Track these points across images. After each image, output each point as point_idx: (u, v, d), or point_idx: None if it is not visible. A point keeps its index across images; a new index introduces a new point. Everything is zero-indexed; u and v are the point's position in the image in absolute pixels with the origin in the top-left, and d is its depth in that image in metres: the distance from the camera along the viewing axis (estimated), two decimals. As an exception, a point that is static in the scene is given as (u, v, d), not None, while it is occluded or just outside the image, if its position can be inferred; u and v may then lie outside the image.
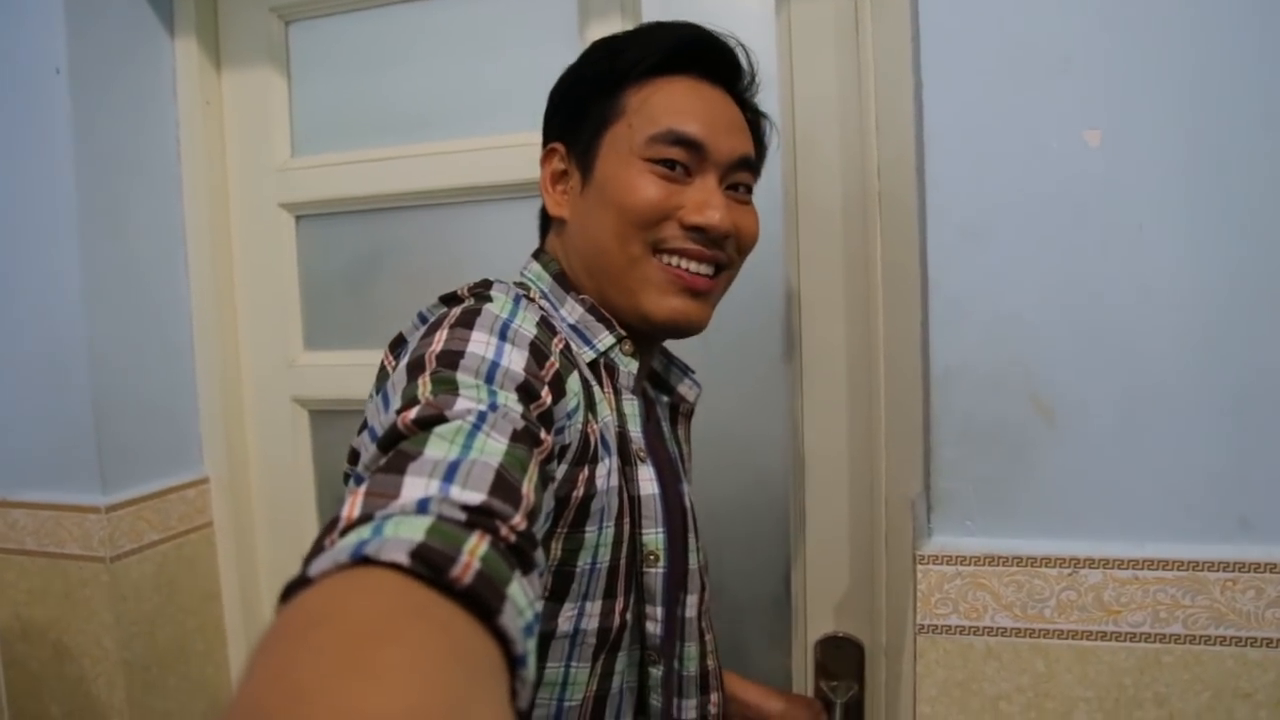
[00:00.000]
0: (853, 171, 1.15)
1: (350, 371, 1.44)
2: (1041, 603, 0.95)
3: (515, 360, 0.63)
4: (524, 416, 0.57)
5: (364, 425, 0.67)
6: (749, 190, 0.84)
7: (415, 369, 0.59)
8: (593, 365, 0.78)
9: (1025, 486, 0.96)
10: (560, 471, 0.66)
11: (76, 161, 1.22)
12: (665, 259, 0.78)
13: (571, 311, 0.80)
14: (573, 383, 0.69)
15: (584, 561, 0.71)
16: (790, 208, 1.19)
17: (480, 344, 0.62)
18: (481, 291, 0.73)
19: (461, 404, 0.54)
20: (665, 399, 0.95)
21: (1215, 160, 0.89)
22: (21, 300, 1.28)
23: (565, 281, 0.82)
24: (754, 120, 0.88)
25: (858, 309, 1.17)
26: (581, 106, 0.80)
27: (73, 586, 1.27)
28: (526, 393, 0.60)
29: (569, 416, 0.67)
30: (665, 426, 0.93)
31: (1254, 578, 0.90)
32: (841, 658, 1.19)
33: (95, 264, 1.26)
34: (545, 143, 0.85)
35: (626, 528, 0.75)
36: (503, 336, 0.64)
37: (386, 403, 0.60)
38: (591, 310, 0.80)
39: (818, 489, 1.22)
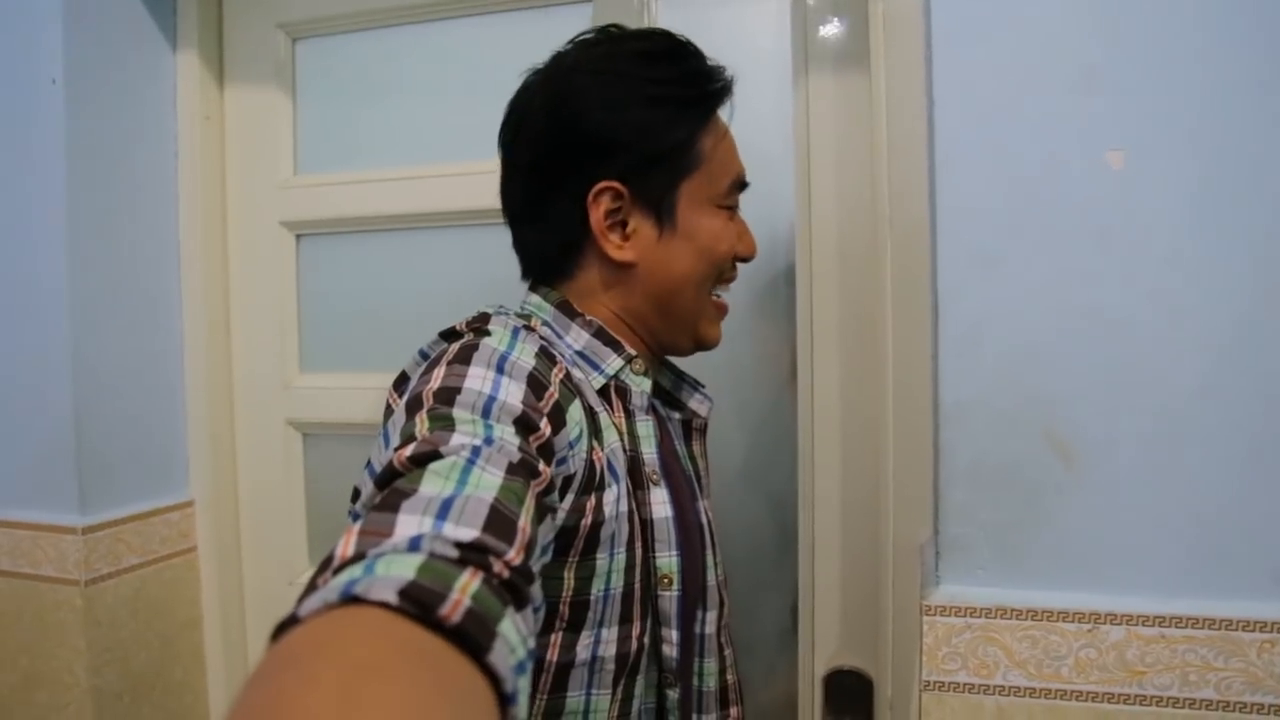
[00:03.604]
0: (863, 194, 1.10)
1: (347, 394, 1.40)
2: (1058, 660, 0.87)
3: (513, 393, 0.63)
4: (521, 449, 0.58)
5: (369, 463, 0.67)
6: None
7: (413, 407, 0.60)
8: (603, 390, 0.79)
9: (1041, 533, 0.89)
10: (567, 501, 0.66)
11: (69, 172, 1.20)
12: (715, 291, 0.85)
13: (577, 338, 0.80)
14: (574, 412, 0.69)
15: (598, 589, 0.71)
16: (803, 232, 1.14)
17: (477, 379, 0.63)
18: (480, 325, 0.73)
19: (457, 439, 0.55)
20: (677, 416, 0.93)
21: (1244, 182, 0.83)
22: (3, 311, 1.25)
23: (569, 308, 0.81)
24: None
25: (867, 337, 1.11)
26: (650, 153, 0.78)
27: (46, 609, 1.22)
28: (524, 425, 0.61)
29: (571, 446, 0.67)
30: (679, 444, 0.91)
31: (1294, 640, 0.82)
32: (850, 692, 1.14)
33: (83, 277, 1.23)
34: (573, 178, 0.78)
35: (639, 552, 0.75)
36: (500, 370, 0.65)
37: (387, 441, 0.61)
38: (599, 334, 0.80)
39: (825, 520, 1.16)
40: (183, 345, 1.39)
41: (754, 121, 0.97)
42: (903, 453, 1.02)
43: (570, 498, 0.67)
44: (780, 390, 1.24)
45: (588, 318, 0.81)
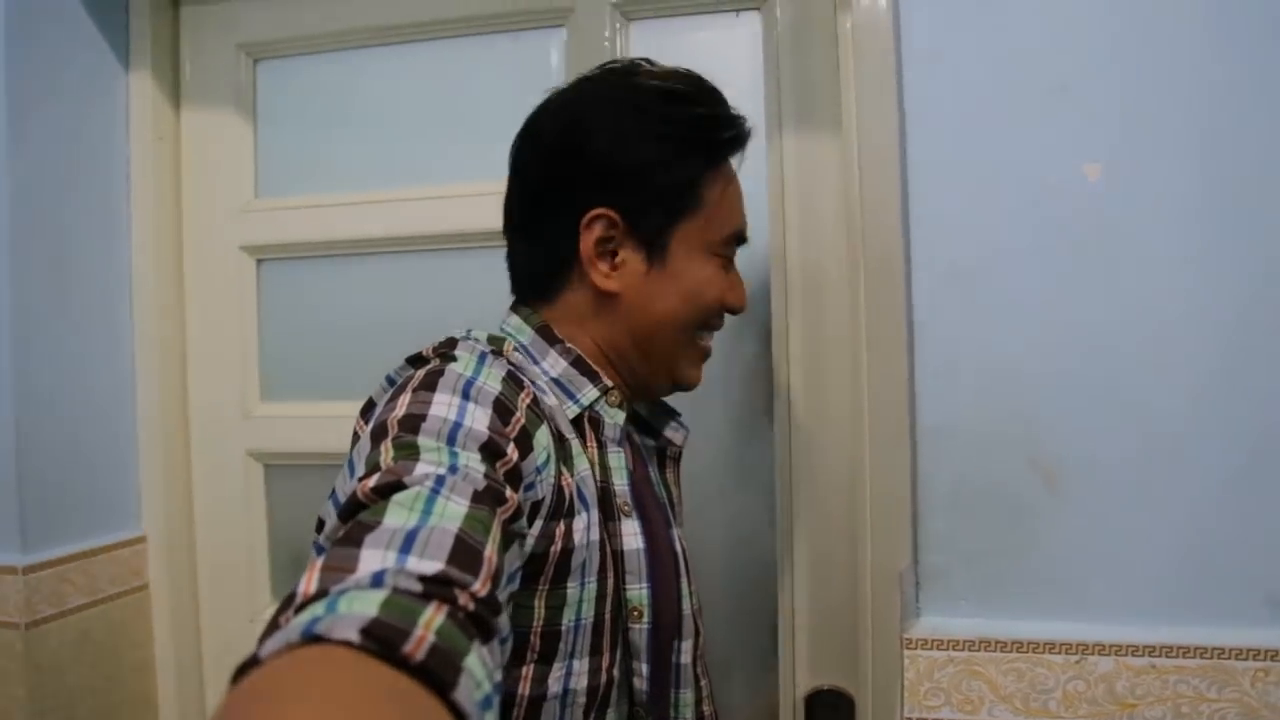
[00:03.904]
0: (836, 212, 1.08)
1: (310, 424, 1.35)
2: (1046, 694, 0.83)
3: (478, 419, 0.63)
4: (487, 475, 0.57)
5: (333, 492, 0.67)
6: None
7: (378, 435, 0.60)
8: (576, 420, 0.78)
9: (1025, 560, 0.86)
10: (536, 527, 0.66)
11: (11, 194, 1.15)
12: (701, 337, 0.84)
13: (554, 364, 0.79)
14: (540, 436, 0.68)
15: (569, 619, 0.70)
16: (777, 254, 1.13)
17: (442, 405, 0.63)
18: (446, 351, 0.73)
19: (421, 468, 0.55)
20: (652, 443, 0.92)
21: (1227, 195, 0.81)
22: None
23: (549, 334, 0.80)
24: None
25: (842, 360, 1.09)
26: (650, 188, 0.78)
27: (-16, 655, 1.16)
28: (491, 451, 0.60)
29: (538, 471, 0.66)
30: (653, 471, 0.90)
31: (1289, 669, 0.79)
32: (833, 711, 1.12)
33: (26, 302, 1.18)
34: (571, 200, 0.78)
35: (610, 583, 0.74)
36: (466, 396, 0.64)
37: (352, 470, 0.61)
38: (576, 363, 0.79)
39: (804, 544, 1.14)
40: (134, 373, 1.33)
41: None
42: (880, 478, 0.99)
43: (539, 523, 0.66)
44: (757, 416, 1.21)
45: (567, 345, 0.80)
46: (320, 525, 0.64)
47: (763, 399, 1.19)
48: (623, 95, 0.79)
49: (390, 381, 0.74)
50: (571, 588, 0.70)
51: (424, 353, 0.74)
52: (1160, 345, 0.82)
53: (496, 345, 0.78)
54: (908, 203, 0.88)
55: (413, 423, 0.60)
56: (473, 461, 0.58)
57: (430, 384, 0.65)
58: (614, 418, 0.80)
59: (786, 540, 1.14)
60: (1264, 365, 0.80)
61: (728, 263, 0.83)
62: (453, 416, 0.62)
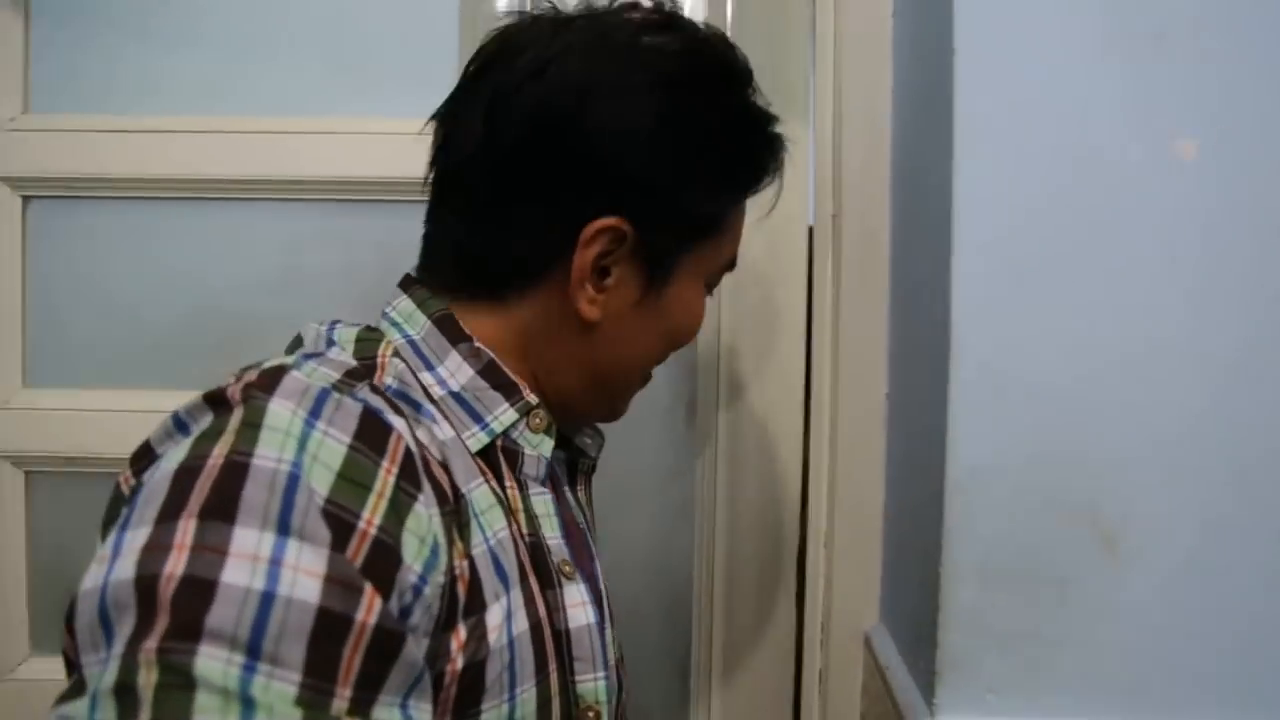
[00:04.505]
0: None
1: (91, 419, 1.05)
2: (1093, 817, 0.65)
3: (304, 573, 0.42)
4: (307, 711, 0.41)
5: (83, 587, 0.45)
6: None
7: (145, 607, 0.41)
8: (484, 451, 0.59)
9: (1072, 645, 0.67)
10: (422, 648, 0.47)
11: None
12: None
13: (455, 372, 0.59)
14: (414, 525, 0.48)
15: None
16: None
17: (244, 561, 0.42)
18: (262, 392, 0.48)
19: None
20: (562, 454, 0.73)
21: None
22: None
23: (452, 327, 0.60)
24: None
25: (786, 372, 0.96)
26: (680, 206, 0.61)
27: None
28: (325, 646, 0.42)
29: (418, 588, 0.47)
30: (567, 492, 0.71)
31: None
32: None
33: None
34: (574, 199, 0.59)
35: (555, 680, 0.57)
36: (283, 527, 0.43)
37: (115, 552, 0.43)
38: (488, 370, 0.60)
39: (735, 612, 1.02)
40: None
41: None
42: (844, 515, 0.90)
43: (426, 643, 0.48)
44: (676, 426, 1.05)
45: (476, 344, 0.60)
46: (70, 614, 0.45)
47: (683, 414, 1.05)
48: (665, 71, 0.59)
49: (178, 425, 0.50)
50: (488, 712, 0.51)
51: (229, 392, 0.49)
52: (1251, 379, 0.65)
53: (367, 351, 0.57)
54: (951, 170, 0.66)
55: (194, 610, 0.40)
56: (280, 704, 0.40)
57: (226, 505, 0.43)
58: (538, 448, 0.61)
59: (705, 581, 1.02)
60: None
61: (709, 293, 0.69)
62: (259, 585, 0.42)
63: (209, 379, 0.51)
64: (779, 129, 0.65)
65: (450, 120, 0.63)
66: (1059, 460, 0.66)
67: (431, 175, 0.64)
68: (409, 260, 0.65)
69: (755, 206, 0.68)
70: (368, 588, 0.43)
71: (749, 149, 0.63)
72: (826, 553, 0.94)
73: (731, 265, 0.70)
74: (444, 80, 0.64)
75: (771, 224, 0.84)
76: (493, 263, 0.61)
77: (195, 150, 1.03)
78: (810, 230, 0.97)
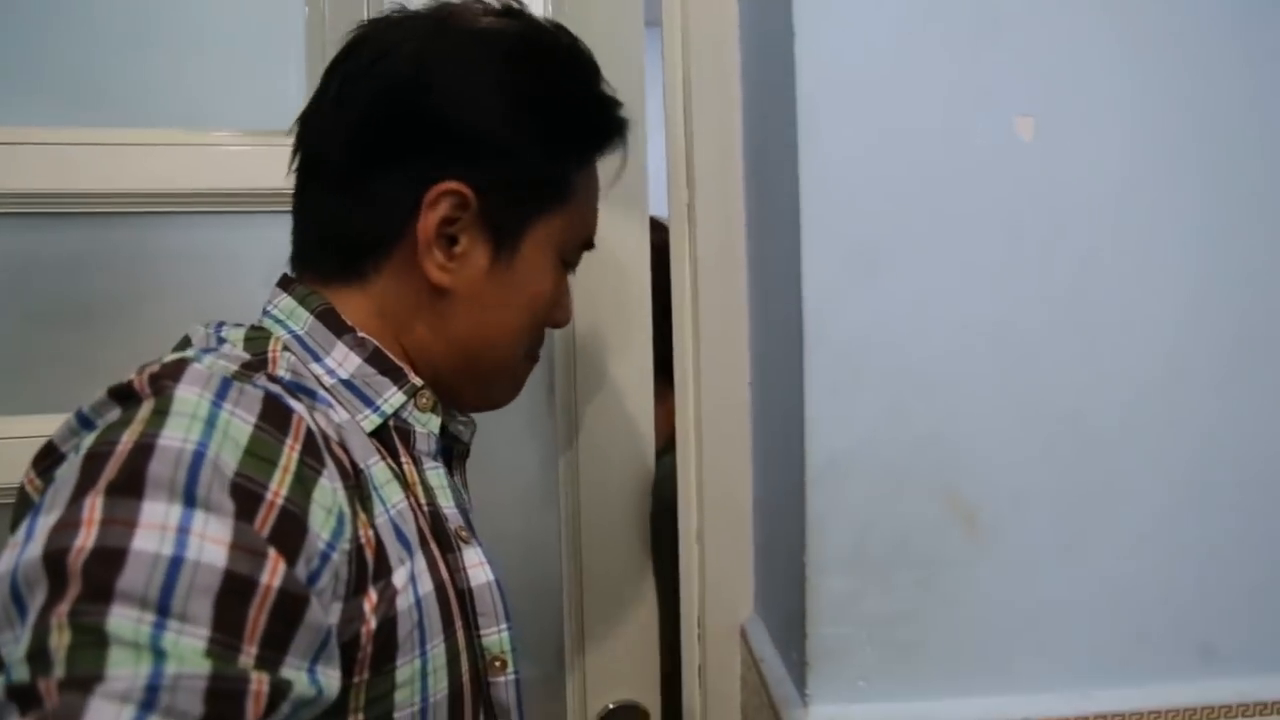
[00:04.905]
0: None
1: None
2: (968, 791, 0.65)
3: (211, 541, 0.45)
4: (215, 678, 0.42)
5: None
6: None
7: (55, 579, 0.43)
8: (378, 432, 0.63)
9: (939, 624, 0.67)
10: (334, 612, 0.51)
11: None
12: (529, 355, 0.73)
13: (343, 361, 0.63)
14: (321, 496, 0.52)
15: (409, 706, 0.57)
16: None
17: (153, 530, 0.44)
18: (167, 383, 0.51)
19: (98, 713, 0.40)
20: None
21: (1192, 160, 0.66)
22: None
23: (334, 320, 0.64)
24: None
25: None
26: (521, 167, 0.64)
27: None
28: (231, 603, 0.45)
29: (325, 555, 0.50)
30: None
31: (1228, 729, 0.67)
32: None
33: None
34: (418, 164, 0.62)
35: (461, 635, 0.61)
36: (189, 499, 0.46)
37: (27, 535, 0.45)
38: (374, 358, 0.64)
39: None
40: None
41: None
42: (715, 496, 0.89)
43: (337, 606, 0.51)
44: (539, 399, 1.04)
45: (359, 334, 0.64)
46: None
47: (543, 391, 1.03)
48: (514, 45, 0.64)
49: (83, 422, 0.53)
50: (403, 667, 0.56)
51: (134, 383, 0.52)
52: (1097, 351, 0.66)
53: (258, 348, 0.60)
54: (799, 162, 0.64)
55: (104, 576, 0.43)
56: (190, 656, 0.43)
57: (134, 481, 0.46)
58: (426, 424, 0.66)
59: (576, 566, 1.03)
60: (1207, 377, 0.67)
61: (568, 271, 0.72)
62: (168, 550, 0.44)
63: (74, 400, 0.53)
64: (621, 113, 0.67)
65: (308, 114, 0.66)
66: (917, 443, 0.66)
67: (295, 165, 0.67)
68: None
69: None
70: (272, 552, 0.46)
71: (586, 112, 0.66)
72: (699, 546, 0.93)
73: (589, 244, 0.72)
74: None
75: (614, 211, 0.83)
76: (350, 237, 0.64)
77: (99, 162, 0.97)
78: (651, 218, 0.96)
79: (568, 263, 0.70)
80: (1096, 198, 0.66)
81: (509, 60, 0.63)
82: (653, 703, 1.04)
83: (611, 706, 1.03)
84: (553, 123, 0.64)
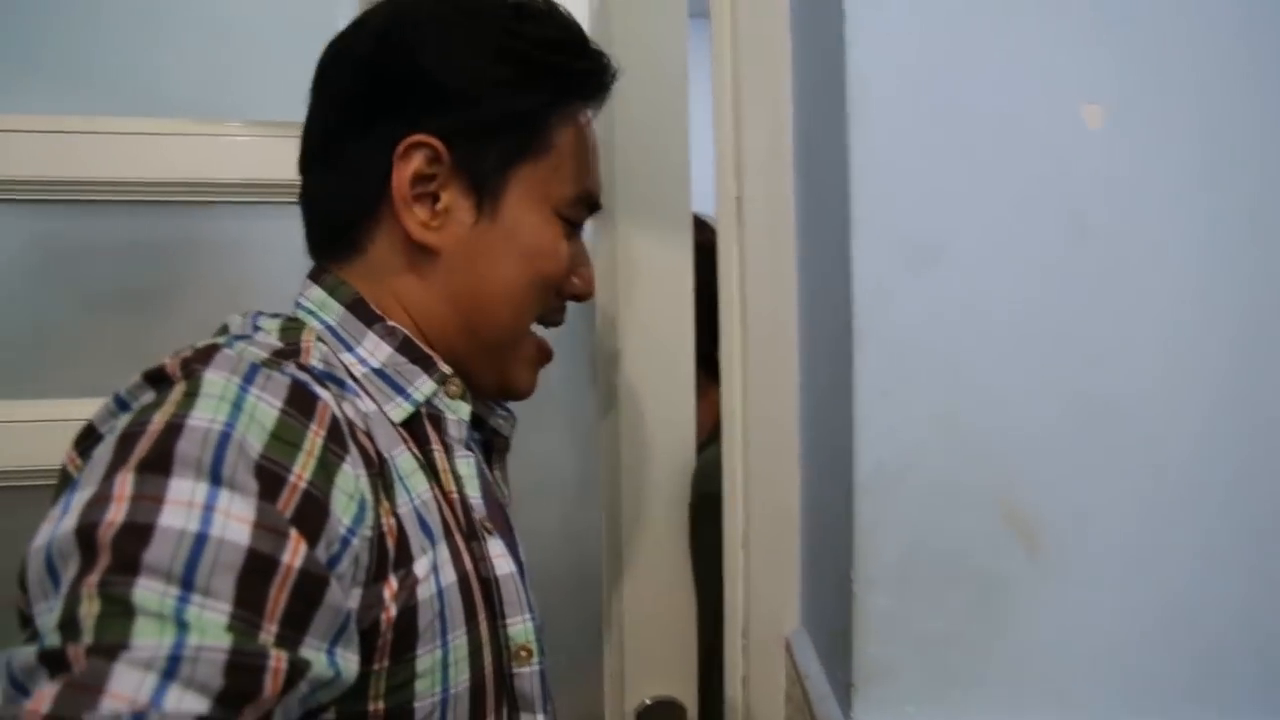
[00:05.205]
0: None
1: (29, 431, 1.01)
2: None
3: (235, 519, 0.47)
4: (234, 652, 0.44)
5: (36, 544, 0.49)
6: None
7: (86, 551, 0.45)
8: (410, 421, 0.65)
9: (995, 648, 0.62)
10: (354, 598, 0.53)
11: None
12: (537, 331, 0.74)
13: (375, 350, 0.66)
14: (343, 482, 0.54)
15: (428, 697, 0.58)
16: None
17: (179, 508, 0.47)
18: (198, 368, 0.54)
19: (123, 674, 0.42)
20: (477, 435, 0.78)
21: (1274, 151, 0.60)
22: None
23: (364, 310, 0.66)
24: None
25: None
26: (489, 115, 0.65)
27: None
28: (253, 581, 0.46)
29: (346, 540, 0.52)
30: (484, 469, 0.76)
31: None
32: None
33: None
34: (386, 120, 0.65)
35: (485, 626, 0.63)
36: (215, 478, 0.48)
37: (63, 513, 0.48)
38: (405, 346, 0.66)
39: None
40: None
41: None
42: (762, 503, 0.86)
43: (357, 592, 0.53)
44: (580, 393, 1.09)
45: (389, 323, 0.66)
46: (22, 580, 0.50)
47: (585, 379, 1.07)
48: (462, 3, 0.67)
49: (120, 404, 0.56)
50: (424, 656, 0.57)
51: (168, 367, 0.55)
52: (1169, 356, 0.61)
53: (292, 338, 0.63)
54: (846, 143, 0.61)
55: (132, 549, 0.45)
56: (212, 629, 0.45)
57: (164, 457, 0.48)
58: (456, 411, 0.68)
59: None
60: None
61: (572, 231, 0.72)
62: (193, 527, 0.46)
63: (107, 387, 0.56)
64: (588, 49, 0.69)
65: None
66: (972, 452, 0.61)
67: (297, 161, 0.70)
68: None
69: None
70: (293, 533, 0.48)
71: (554, 55, 0.67)
72: (744, 553, 0.89)
73: (592, 204, 0.73)
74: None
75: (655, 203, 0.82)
76: (338, 210, 0.67)
77: (113, 150, 1.00)
78: (696, 217, 0.94)
79: (568, 220, 0.70)
80: (1170, 191, 0.60)
81: (473, 15, 0.65)
82: (690, 698, 1.05)
83: (649, 702, 1.04)
84: (518, 65, 0.65)
